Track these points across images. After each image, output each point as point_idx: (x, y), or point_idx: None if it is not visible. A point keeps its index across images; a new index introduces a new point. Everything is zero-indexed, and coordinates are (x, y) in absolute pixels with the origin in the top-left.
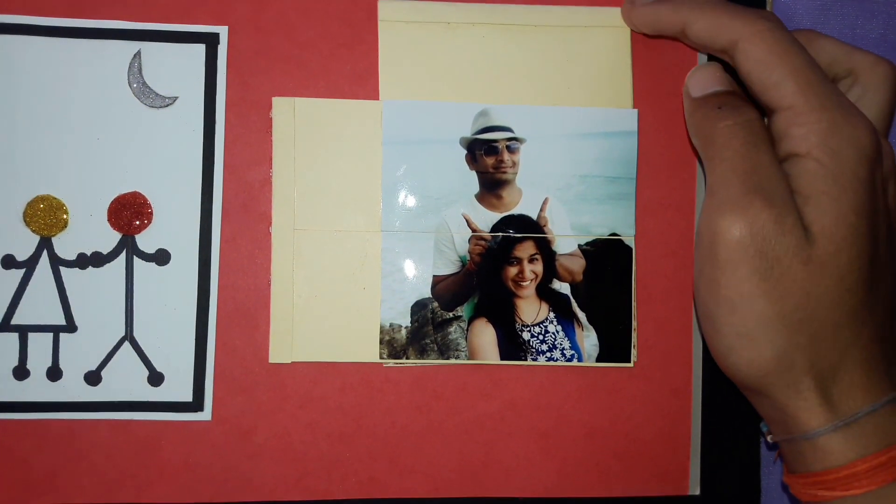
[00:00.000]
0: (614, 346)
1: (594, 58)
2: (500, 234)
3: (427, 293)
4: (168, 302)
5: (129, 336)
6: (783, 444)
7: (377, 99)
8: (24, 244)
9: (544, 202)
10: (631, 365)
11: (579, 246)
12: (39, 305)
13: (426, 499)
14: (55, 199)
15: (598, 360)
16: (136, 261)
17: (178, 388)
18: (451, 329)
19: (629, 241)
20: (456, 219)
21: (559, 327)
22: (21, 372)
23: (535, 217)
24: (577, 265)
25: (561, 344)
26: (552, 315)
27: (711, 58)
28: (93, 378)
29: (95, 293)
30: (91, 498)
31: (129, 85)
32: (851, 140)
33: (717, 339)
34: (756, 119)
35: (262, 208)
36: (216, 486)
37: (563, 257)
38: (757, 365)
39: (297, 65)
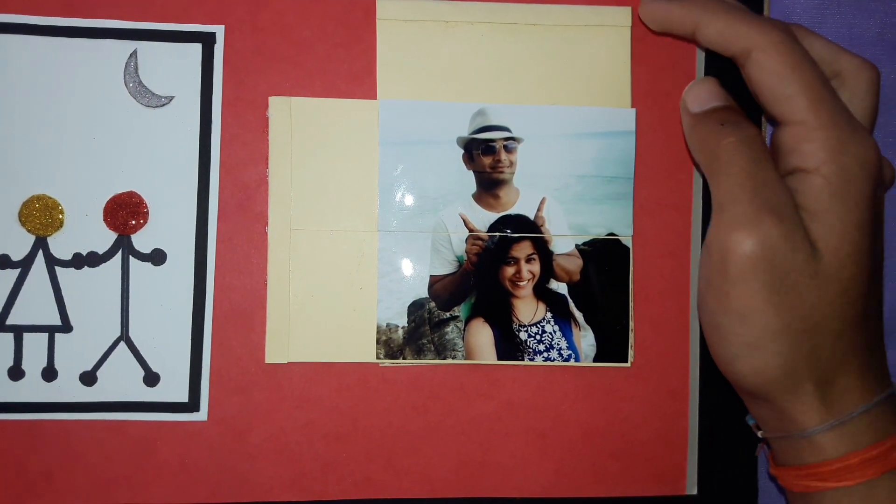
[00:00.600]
0: (611, 346)
1: (592, 57)
2: (498, 233)
3: (424, 293)
4: (164, 302)
5: (124, 336)
6: (776, 439)
7: (374, 98)
8: (19, 244)
9: (542, 202)
10: (628, 365)
11: (577, 246)
12: (34, 305)
13: (423, 499)
14: (51, 198)
15: (596, 360)
16: (132, 261)
17: (174, 388)
18: (448, 329)
19: (626, 241)
20: (453, 218)
21: (556, 327)
22: (16, 372)
23: (532, 217)
24: (575, 265)
25: (558, 344)
26: (549, 315)
27: (708, 70)
28: (88, 378)
29: (91, 293)
30: (86, 499)
31: (126, 84)
32: (858, 157)
33: (723, 347)
34: (757, 135)
35: (259, 208)
36: (212, 486)
37: (560, 257)
38: (762, 373)
39: (293, 64)
